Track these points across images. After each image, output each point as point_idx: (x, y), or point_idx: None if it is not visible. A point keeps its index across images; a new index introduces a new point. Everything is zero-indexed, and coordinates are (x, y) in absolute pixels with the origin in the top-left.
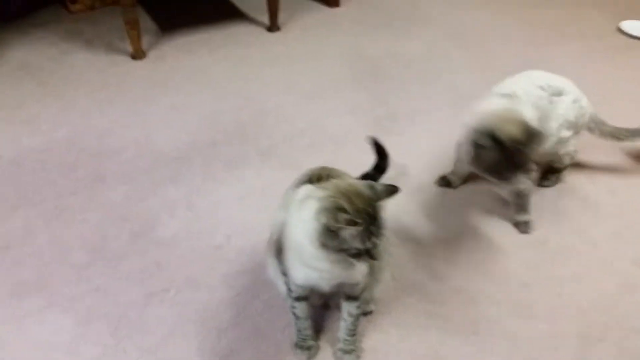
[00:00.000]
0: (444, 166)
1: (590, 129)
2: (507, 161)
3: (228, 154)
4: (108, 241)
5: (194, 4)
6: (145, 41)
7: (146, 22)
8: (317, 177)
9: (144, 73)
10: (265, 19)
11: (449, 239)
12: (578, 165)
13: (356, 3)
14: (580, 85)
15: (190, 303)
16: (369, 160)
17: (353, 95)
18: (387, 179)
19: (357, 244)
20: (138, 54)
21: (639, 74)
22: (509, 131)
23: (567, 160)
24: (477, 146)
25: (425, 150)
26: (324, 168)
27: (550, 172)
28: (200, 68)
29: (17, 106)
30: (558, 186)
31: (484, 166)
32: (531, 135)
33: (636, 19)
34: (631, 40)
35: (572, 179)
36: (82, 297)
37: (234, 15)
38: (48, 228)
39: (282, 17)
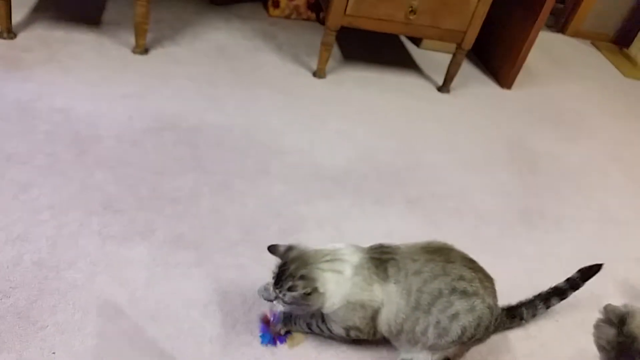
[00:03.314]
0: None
1: None
2: None
3: (378, 190)
4: (259, 228)
5: (379, 44)
6: (327, 63)
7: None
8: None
9: (320, 92)
10: (438, 78)
11: None
12: None
13: (527, 92)
14: None
15: None
16: (502, 243)
17: (506, 178)
18: None
19: None
20: (320, 73)
21: None
22: None
23: None
24: None
25: (565, 257)
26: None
27: None
28: (369, 104)
29: (207, 82)
30: None
31: None
32: None
33: None
34: None
35: None
36: (227, 268)
37: (410, 66)
38: (212, 198)
39: (454, 81)
